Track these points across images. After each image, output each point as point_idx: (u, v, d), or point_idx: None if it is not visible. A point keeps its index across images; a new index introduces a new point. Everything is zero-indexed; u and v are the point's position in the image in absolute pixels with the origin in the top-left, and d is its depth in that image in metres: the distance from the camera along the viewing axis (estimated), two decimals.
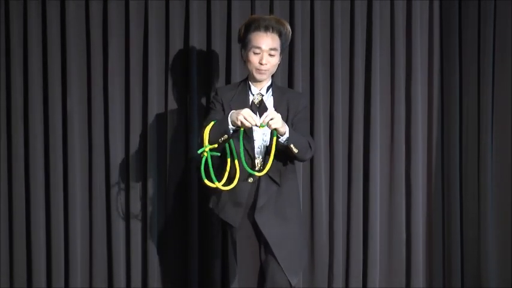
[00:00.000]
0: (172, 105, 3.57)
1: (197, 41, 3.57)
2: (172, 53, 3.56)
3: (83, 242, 3.58)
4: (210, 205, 2.95)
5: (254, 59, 2.81)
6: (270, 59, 2.81)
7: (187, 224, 3.58)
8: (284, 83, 3.61)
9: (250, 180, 2.83)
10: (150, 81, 3.55)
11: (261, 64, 2.81)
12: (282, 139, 2.71)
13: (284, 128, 2.68)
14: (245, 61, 2.88)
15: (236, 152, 2.78)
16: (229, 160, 2.81)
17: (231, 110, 2.75)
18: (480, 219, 3.74)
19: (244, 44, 2.85)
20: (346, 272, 3.71)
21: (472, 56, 3.74)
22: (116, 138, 3.56)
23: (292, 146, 2.71)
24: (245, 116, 2.60)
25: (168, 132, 3.57)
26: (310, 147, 2.82)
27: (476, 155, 3.75)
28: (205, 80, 3.60)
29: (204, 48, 3.60)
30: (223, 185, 2.77)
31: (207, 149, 2.69)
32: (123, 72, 3.57)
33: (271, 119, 2.61)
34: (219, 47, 3.59)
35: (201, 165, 2.71)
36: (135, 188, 3.58)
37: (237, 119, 2.62)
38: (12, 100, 3.51)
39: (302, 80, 3.64)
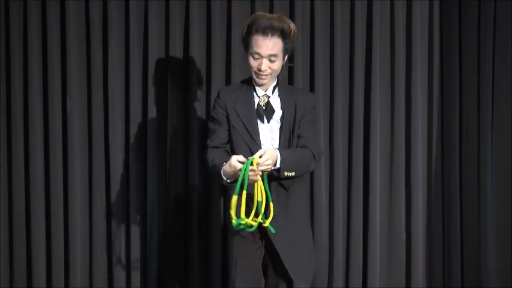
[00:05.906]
0: (172, 104, 3.57)
1: (197, 41, 3.56)
2: (173, 52, 3.55)
3: (83, 242, 3.58)
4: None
5: (253, 64, 2.67)
6: (271, 64, 2.66)
7: (187, 224, 3.58)
8: (284, 83, 3.60)
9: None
10: (150, 81, 3.55)
11: (260, 70, 2.66)
12: (273, 172, 2.56)
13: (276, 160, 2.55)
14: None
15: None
16: (244, 193, 2.52)
17: (237, 115, 2.65)
18: (480, 219, 3.74)
19: (246, 45, 2.70)
20: (346, 272, 3.71)
21: (472, 56, 3.74)
22: (116, 138, 3.56)
23: (286, 174, 2.58)
24: (236, 166, 2.47)
25: (168, 132, 3.57)
26: (314, 156, 2.68)
27: (476, 155, 3.75)
28: (205, 79, 3.60)
29: (204, 48, 3.59)
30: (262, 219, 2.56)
31: (243, 222, 2.51)
32: (123, 72, 3.57)
33: (263, 164, 2.48)
34: (219, 47, 3.59)
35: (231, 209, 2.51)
36: (135, 188, 3.57)
37: (234, 173, 2.48)
38: (12, 100, 3.51)
39: (302, 80, 3.63)
